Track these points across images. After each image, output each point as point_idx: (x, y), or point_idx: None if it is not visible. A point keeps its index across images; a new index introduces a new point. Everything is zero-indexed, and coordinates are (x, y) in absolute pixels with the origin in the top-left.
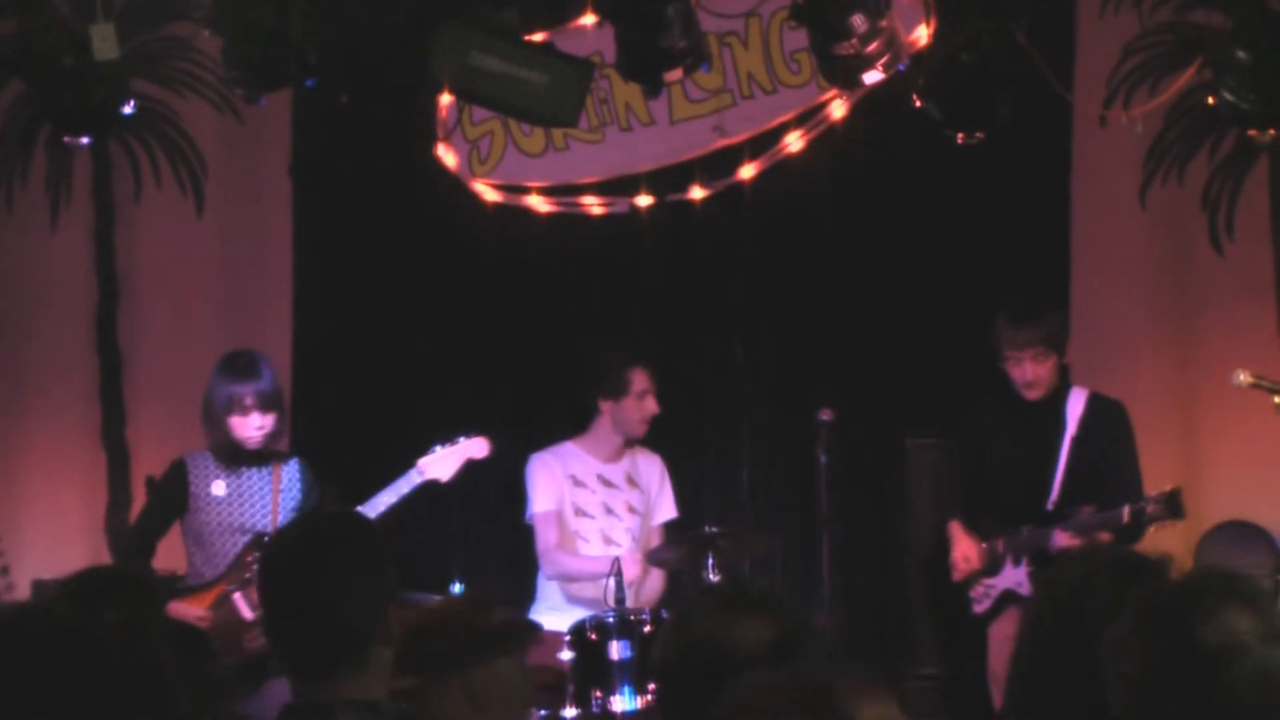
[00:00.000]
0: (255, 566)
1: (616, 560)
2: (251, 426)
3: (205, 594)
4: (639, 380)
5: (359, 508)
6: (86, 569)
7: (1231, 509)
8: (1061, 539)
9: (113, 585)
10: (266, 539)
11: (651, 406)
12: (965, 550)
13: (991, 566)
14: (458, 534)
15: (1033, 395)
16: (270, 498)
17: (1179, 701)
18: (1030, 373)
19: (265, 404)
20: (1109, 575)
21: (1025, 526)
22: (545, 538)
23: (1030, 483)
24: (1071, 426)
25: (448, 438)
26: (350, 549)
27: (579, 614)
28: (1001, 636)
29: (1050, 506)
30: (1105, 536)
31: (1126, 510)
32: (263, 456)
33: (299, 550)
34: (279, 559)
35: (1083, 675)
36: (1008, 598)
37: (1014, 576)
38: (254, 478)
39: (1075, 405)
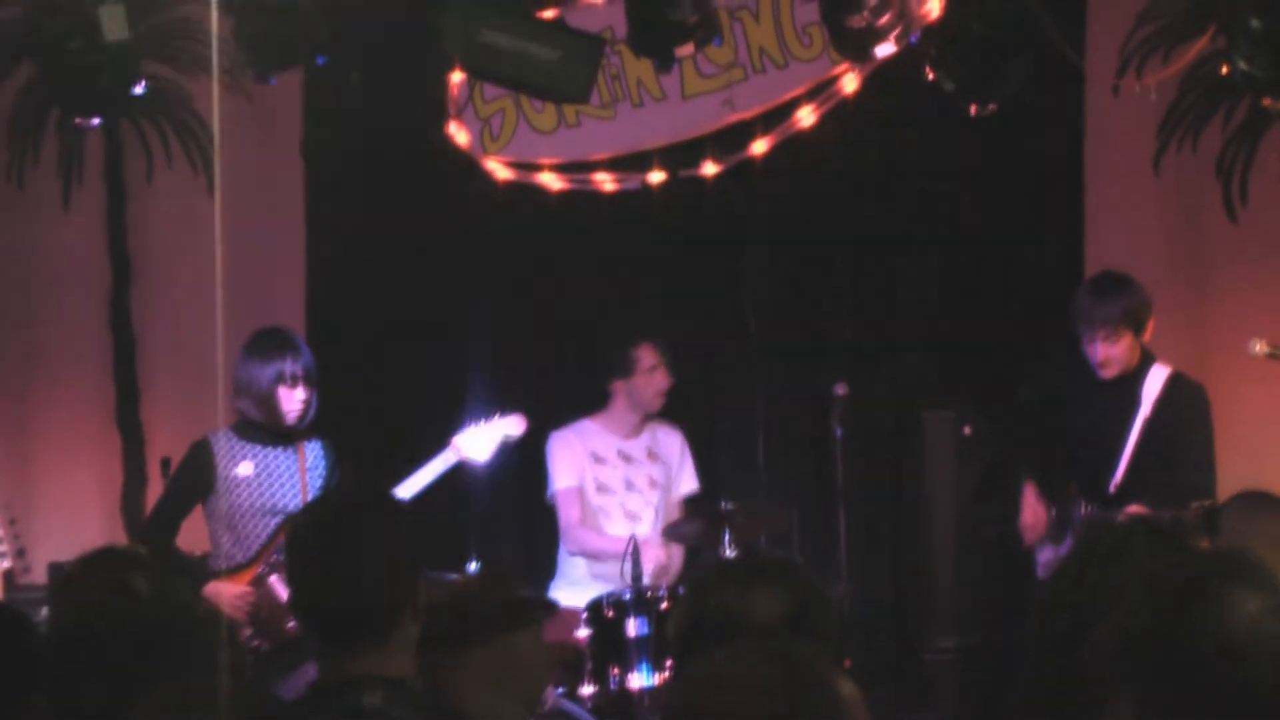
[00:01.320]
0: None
1: (633, 539)
2: (297, 400)
3: (240, 576)
4: (646, 356)
5: (394, 489)
6: (103, 547)
7: (1248, 476)
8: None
9: (135, 561)
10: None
11: (662, 380)
12: (1033, 516)
13: (1058, 534)
14: (475, 512)
15: (1107, 374)
16: (298, 477)
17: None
18: (1102, 352)
19: (309, 378)
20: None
21: (1083, 504)
22: (568, 514)
23: (1096, 460)
24: (1146, 407)
25: (483, 415)
26: (377, 525)
27: (600, 589)
28: None
29: (1113, 489)
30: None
31: (1167, 516)
32: (288, 435)
33: (326, 527)
34: (306, 536)
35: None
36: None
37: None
38: (280, 457)
39: (1153, 385)
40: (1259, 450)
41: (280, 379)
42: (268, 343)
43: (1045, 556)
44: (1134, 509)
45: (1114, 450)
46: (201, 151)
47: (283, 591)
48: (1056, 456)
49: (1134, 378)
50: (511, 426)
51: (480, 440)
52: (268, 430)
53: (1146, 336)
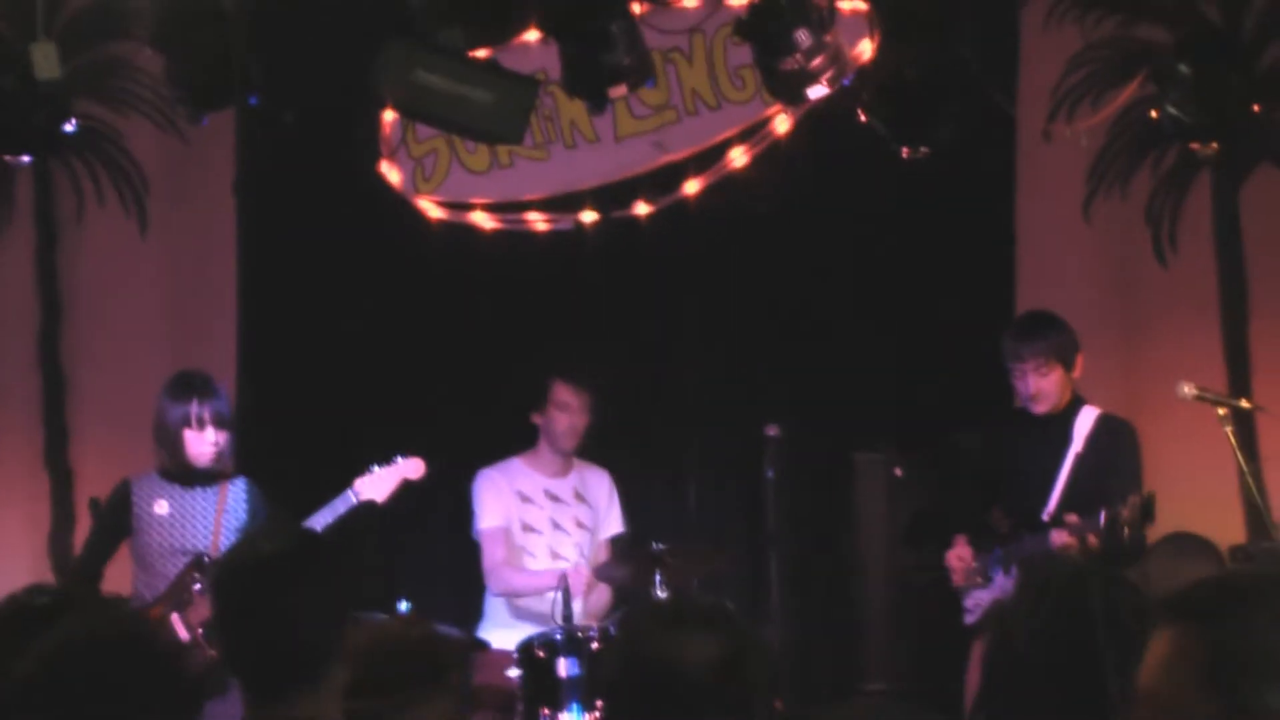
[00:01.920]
0: (195, 588)
1: (564, 575)
2: (206, 443)
3: (143, 616)
4: (560, 392)
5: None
6: (32, 586)
7: (1177, 521)
8: (1059, 537)
9: (66, 599)
10: (206, 560)
11: (575, 418)
12: (960, 553)
13: (984, 576)
14: (404, 552)
15: (1038, 409)
16: (213, 518)
17: None
18: (1033, 385)
19: (219, 421)
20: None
21: (1025, 535)
22: (492, 555)
23: (1030, 494)
24: (1077, 443)
25: (384, 459)
26: (305, 565)
27: (526, 630)
28: (980, 652)
29: (1046, 517)
30: (1093, 540)
31: (1103, 515)
32: (209, 476)
33: (253, 567)
34: (232, 577)
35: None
36: (994, 608)
37: (1004, 586)
38: (198, 498)
39: (1084, 423)
40: (1187, 494)
41: (186, 421)
42: (179, 385)
43: (971, 601)
44: (1056, 533)
45: (1046, 485)
46: (133, 191)
47: (182, 630)
48: (989, 499)
49: (1065, 417)
50: (410, 470)
51: (380, 483)
52: (185, 472)
53: (1076, 373)
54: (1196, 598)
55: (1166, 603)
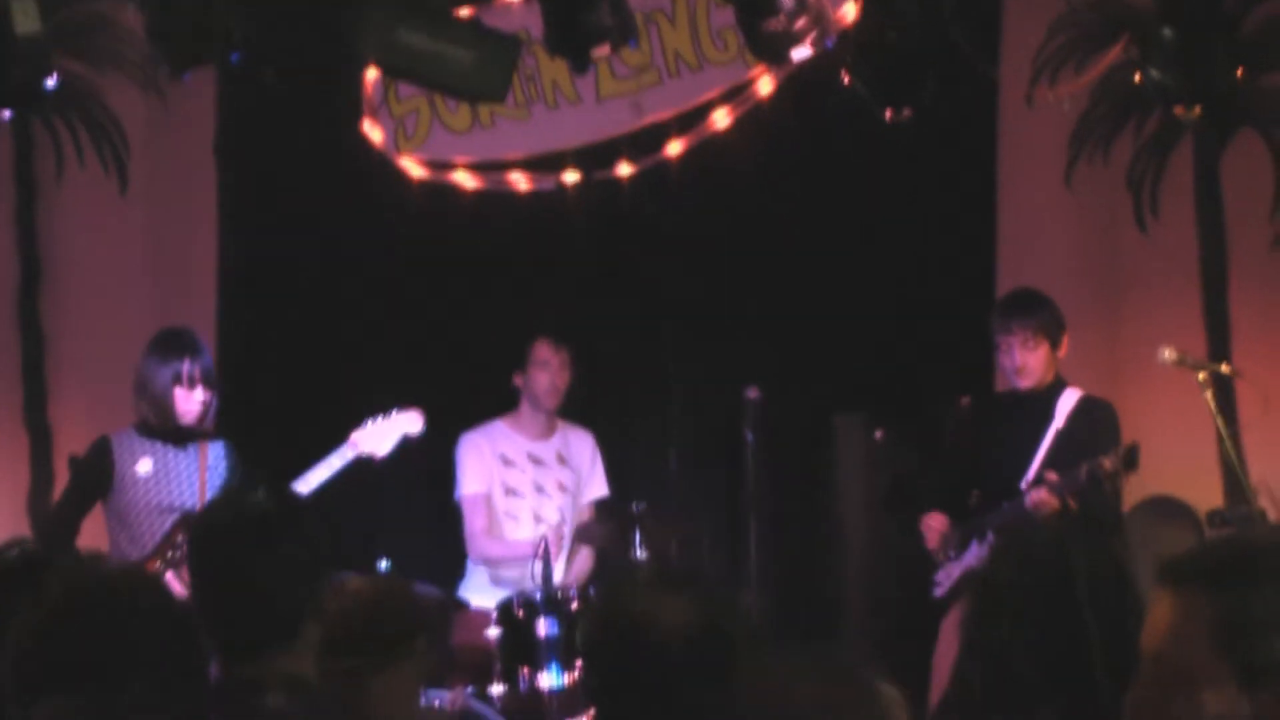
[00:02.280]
0: (185, 545)
1: (543, 541)
2: (195, 401)
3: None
4: (540, 350)
5: (292, 484)
6: (8, 540)
7: (1156, 484)
8: (1035, 495)
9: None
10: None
11: (556, 377)
12: (935, 522)
13: (959, 545)
14: (385, 511)
15: (1023, 383)
16: (197, 477)
17: None
18: (1019, 358)
19: (207, 379)
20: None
21: (1003, 504)
22: (472, 522)
23: (1008, 470)
24: (1059, 420)
25: (381, 411)
26: (283, 524)
27: (502, 594)
28: (951, 626)
29: (1023, 486)
30: (1073, 503)
31: (1084, 468)
32: (189, 435)
33: (231, 526)
34: (210, 535)
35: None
36: (967, 576)
37: (977, 554)
38: (180, 457)
39: (1066, 403)
40: (1166, 459)
41: (177, 379)
42: (167, 343)
43: (943, 574)
44: (1034, 492)
45: (1026, 456)
46: (113, 149)
47: (178, 588)
48: (967, 478)
49: (1048, 396)
50: (410, 423)
51: (379, 436)
52: (167, 431)
53: (1062, 353)
54: (1205, 560)
55: (1171, 566)
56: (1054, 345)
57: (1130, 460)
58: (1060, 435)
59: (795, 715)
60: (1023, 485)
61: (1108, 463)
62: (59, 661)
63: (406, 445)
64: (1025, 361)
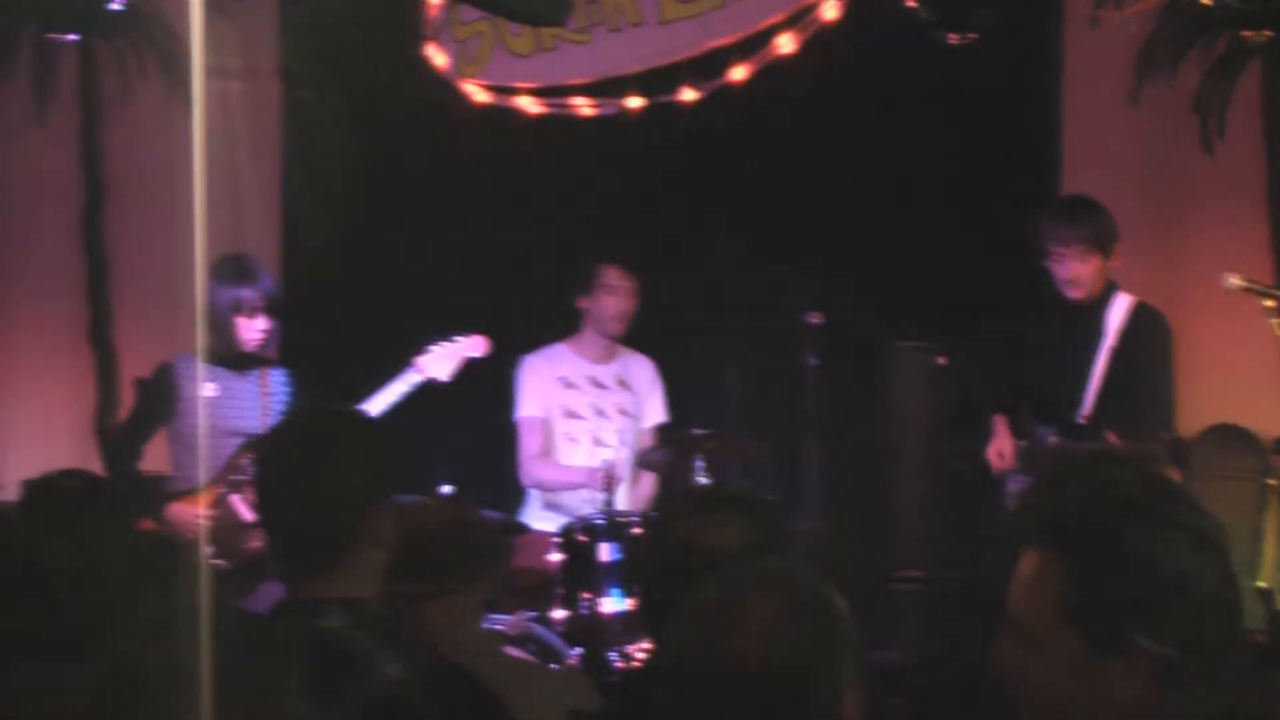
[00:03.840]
0: (251, 468)
1: (604, 466)
2: (256, 329)
3: (201, 496)
4: (609, 275)
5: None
6: (50, 475)
7: (1218, 413)
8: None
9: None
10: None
11: (624, 302)
12: (1001, 445)
13: (1028, 464)
14: (448, 435)
15: (1075, 294)
16: (259, 401)
17: None
18: (1072, 269)
19: (268, 306)
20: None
21: (1052, 433)
22: (527, 445)
23: (1064, 391)
24: (1111, 336)
25: (444, 336)
26: (347, 445)
27: (555, 519)
28: None
29: (1082, 418)
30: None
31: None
32: (252, 361)
33: (289, 446)
34: (272, 449)
35: None
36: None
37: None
38: (243, 382)
39: (1116, 314)
40: (1231, 385)
41: (238, 308)
42: (227, 270)
43: (1015, 486)
44: (1103, 440)
45: (1080, 380)
46: (177, 71)
47: (244, 511)
48: (1026, 390)
49: (1098, 306)
50: (474, 347)
51: (443, 360)
52: (229, 356)
53: (1114, 262)
54: (1058, 521)
55: (1034, 523)
56: (1106, 255)
57: (1176, 458)
58: (1113, 354)
59: (763, 633)
60: (1080, 416)
61: (1158, 448)
62: None
63: (470, 368)
64: (1078, 273)
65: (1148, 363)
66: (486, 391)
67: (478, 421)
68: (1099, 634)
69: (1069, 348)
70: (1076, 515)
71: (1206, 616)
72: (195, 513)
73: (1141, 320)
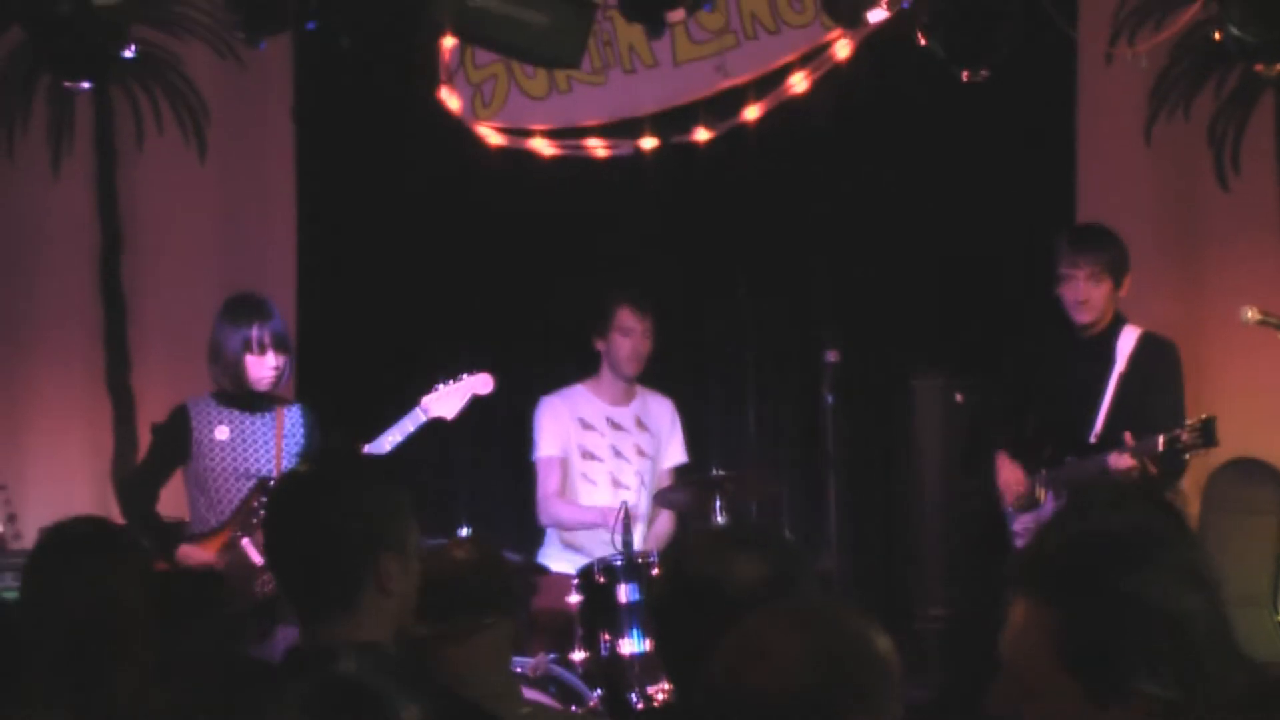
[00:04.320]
0: (262, 511)
1: (623, 507)
2: (267, 366)
3: (213, 539)
4: (624, 316)
5: (364, 448)
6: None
7: (1238, 446)
8: (1118, 461)
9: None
10: (271, 483)
11: (639, 344)
12: (1010, 477)
13: (1031, 501)
14: (465, 476)
15: (1084, 318)
16: (274, 442)
17: None
18: (1083, 291)
19: (279, 344)
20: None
21: (1069, 458)
22: (545, 484)
23: (1074, 417)
24: (1120, 363)
25: (451, 375)
26: (359, 487)
27: (574, 559)
28: None
29: (1093, 439)
30: (1153, 468)
31: (1161, 439)
32: (266, 401)
33: (298, 492)
34: (284, 501)
35: None
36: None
37: (1053, 510)
38: (257, 422)
39: (1126, 342)
40: (1250, 419)
41: (247, 346)
42: (237, 309)
43: (1020, 525)
44: (1114, 455)
45: (1092, 405)
46: (192, 117)
47: (255, 554)
48: (1031, 423)
49: (1108, 336)
50: (480, 385)
51: (449, 399)
52: (243, 396)
53: (1123, 292)
54: (1048, 567)
55: (1020, 570)
56: (1117, 283)
57: (1208, 436)
58: (1123, 379)
59: (786, 671)
60: (1092, 437)
61: (1185, 435)
62: None
63: (480, 408)
64: (1089, 296)
65: (1159, 381)
66: (506, 434)
67: (496, 465)
68: (1097, 682)
69: (1080, 376)
70: (1066, 562)
71: (1205, 654)
72: (207, 556)
73: (1151, 347)
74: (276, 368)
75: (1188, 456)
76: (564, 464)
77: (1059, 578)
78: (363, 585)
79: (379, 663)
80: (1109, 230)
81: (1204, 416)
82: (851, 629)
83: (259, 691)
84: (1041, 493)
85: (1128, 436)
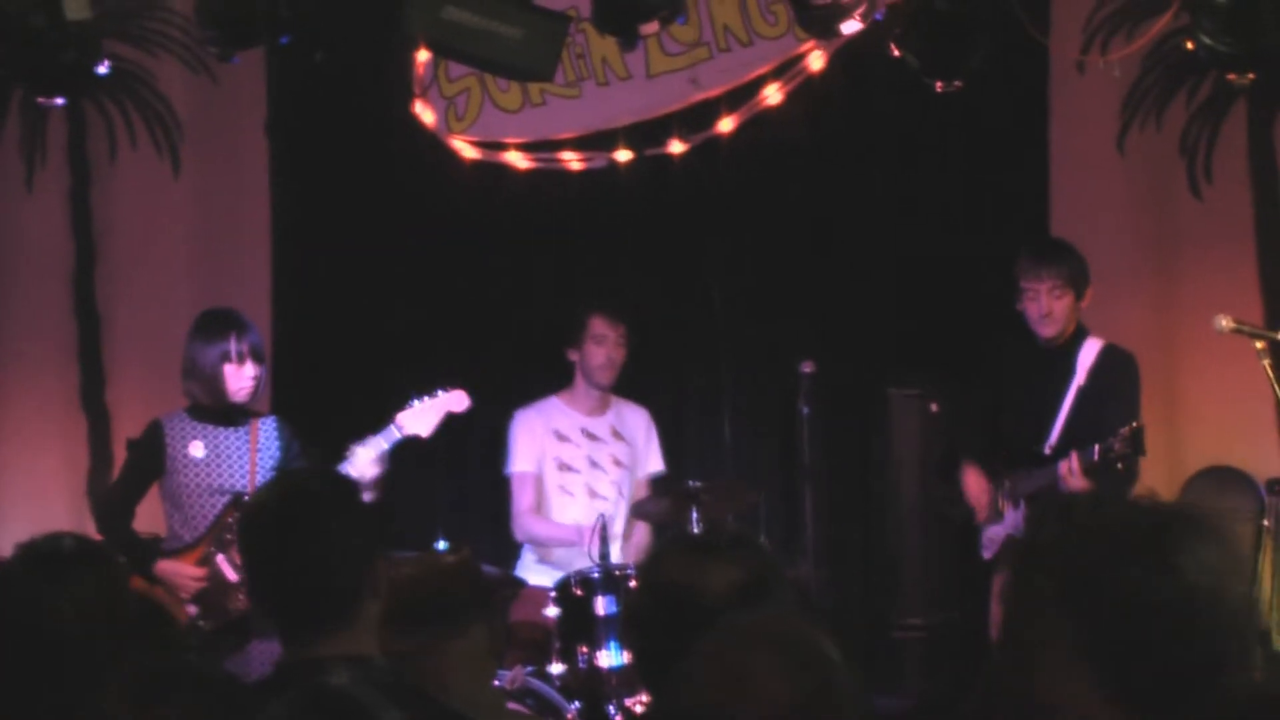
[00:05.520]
0: (236, 527)
1: (600, 519)
2: (245, 377)
3: (187, 555)
4: (596, 325)
5: (340, 466)
6: (44, 538)
7: (1213, 454)
8: (1072, 481)
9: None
10: (245, 498)
11: (612, 352)
12: (976, 489)
13: (995, 513)
14: (442, 490)
15: (1046, 331)
16: (248, 457)
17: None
18: (1045, 305)
19: (256, 355)
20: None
21: (1025, 469)
22: (519, 500)
23: (1031, 428)
24: (1080, 376)
25: (426, 392)
26: (332, 504)
27: (549, 574)
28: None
29: (1047, 451)
30: (1084, 481)
31: (1096, 449)
32: (241, 414)
33: (280, 508)
34: (260, 518)
35: None
36: (1009, 544)
37: (1014, 521)
38: (231, 437)
39: (1088, 355)
40: (1224, 427)
41: (225, 358)
42: (212, 323)
43: (989, 534)
44: (1062, 465)
45: (1049, 416)
46: (166, 132)
47: (229, 570)
48: (996, 433)
49: (1070, 348)
50: (454, 402)
51: (423, 417)
52: (218, 411)
53: (1084, 303)
54: (1058, 566)
55: (1031, 567)
56: (1079, 296)
57: (1137, 444)
58: (1081, 392)
59: (772, 701)
60: (1047, 448)
61: (1117, 445)
62: None
63: (453, 423)
64: (1051, 309)
65: (1116, 392)
66: (480, 447)
67: (472, 478)
68: (1110, 677)
69: (1039, 389)
70: (1076, 558)
71: (1220, 643)
72: (185, 572)
73: (1111, 359)
74: (255, 378)
75: (1120, 466)
76: (538, 479)
77: (1071, 574)
78: (361, 594)
79: (369, 674)
80: (1067, 244)
81: (1134, 425)
82: (821, 645)
83: (245, 708)
84: (1003, 504)
85: (1074, 458)
